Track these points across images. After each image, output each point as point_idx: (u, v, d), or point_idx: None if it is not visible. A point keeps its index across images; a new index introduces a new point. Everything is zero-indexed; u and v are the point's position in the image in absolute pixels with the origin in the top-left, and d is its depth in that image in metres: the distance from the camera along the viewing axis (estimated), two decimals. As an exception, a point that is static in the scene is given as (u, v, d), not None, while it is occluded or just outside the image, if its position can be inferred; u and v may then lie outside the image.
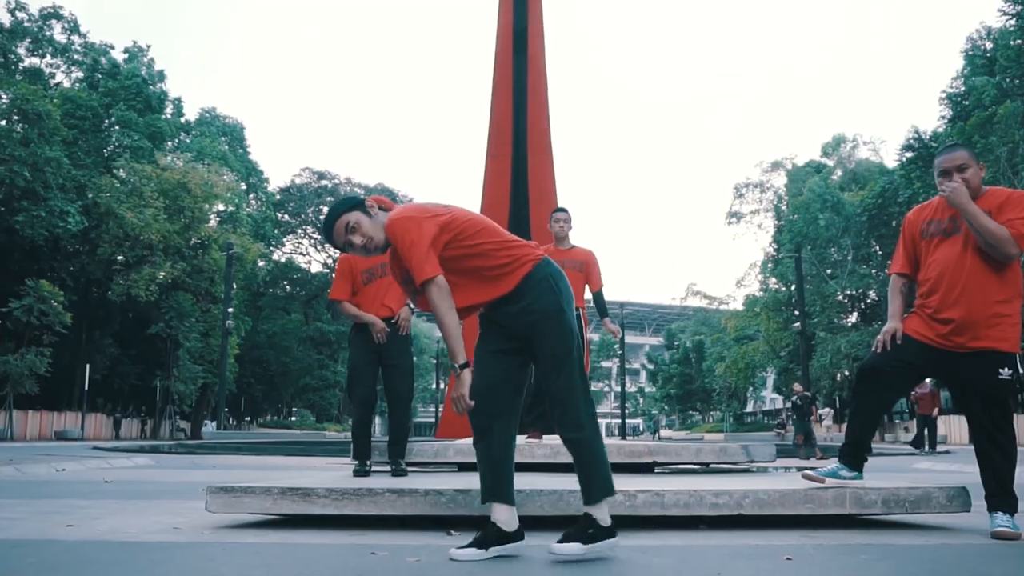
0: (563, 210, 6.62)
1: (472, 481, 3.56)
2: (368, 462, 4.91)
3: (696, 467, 6.56)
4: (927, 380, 14.56)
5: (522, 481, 3.37)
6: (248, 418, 59.13)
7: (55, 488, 6.42)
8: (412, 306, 5.01)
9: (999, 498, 3.54)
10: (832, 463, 3.89)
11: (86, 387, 31.69)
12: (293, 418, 61.47)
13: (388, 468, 4.97)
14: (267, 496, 3.79)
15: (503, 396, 3.02)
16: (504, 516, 2.97)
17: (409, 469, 5.11)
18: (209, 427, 39.37)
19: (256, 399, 57.51)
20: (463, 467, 5.65)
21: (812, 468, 4.11)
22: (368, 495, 3.75)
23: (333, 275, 5.09)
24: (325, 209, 58.22)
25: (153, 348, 35.00)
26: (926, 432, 18.06)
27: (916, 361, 3.68)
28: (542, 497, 3.67)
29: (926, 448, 17.50)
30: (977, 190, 3.65)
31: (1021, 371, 3.62)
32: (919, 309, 3.75)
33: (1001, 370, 3.54)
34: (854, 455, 3.80)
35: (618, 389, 62.34)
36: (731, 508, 3.70)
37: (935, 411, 18.38)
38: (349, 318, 5.07)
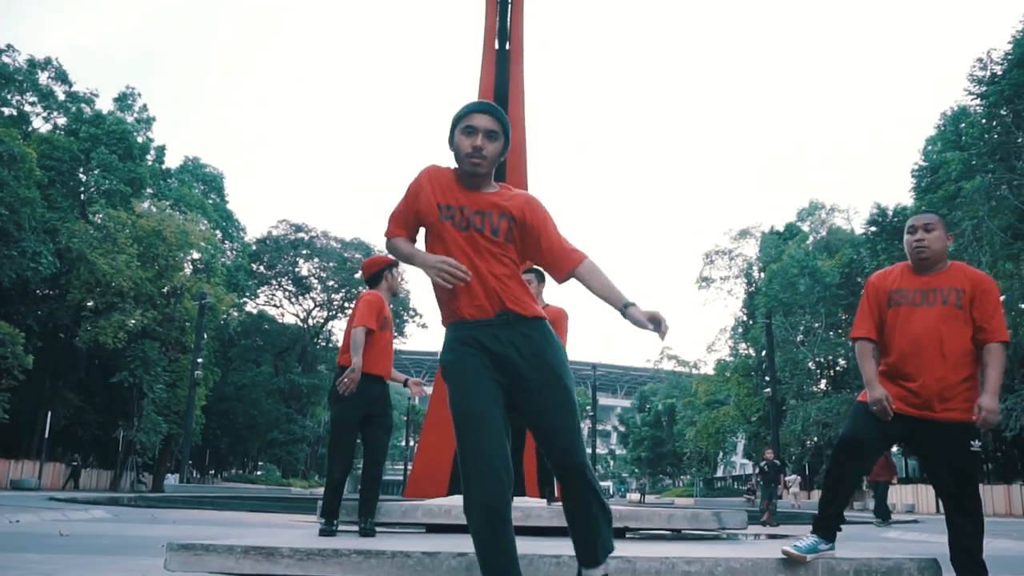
0: (530, 271, 6.61)
1: (440, 544, 3.48)
2: (336, 521, 4.80)
3: (668, 533, 6.50)
4: None
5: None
6: (212, 471, 57.86)
7: (8, 540, 6.21)
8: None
9: (968, 568, 3.54)
10: (809, 538, 3.84)
11: (46, 435, 30.90)
12: (259, 472, 60.24)
13: (355, 526, 4.87)
14: (229, 555, 3.67)
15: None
16: None
17: (377, 530, 5.00)
18: (171, 480, 38.43)
19: (221, 452, 56.35)
20: (432, 528, 5.54)
21: (790, 540, 4.07)
22: (334, 556, 3.65)
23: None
24: (301, 262, 58.14)
25: (118, 397, 34.32)
26: (879, 498, 17.51)
27: (893, 432, 3.71)
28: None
29: (889, 519, 17.14)
30: (940, 255, 3.75)
31: (980, 442, 3.68)
32: (886, 377, 3.78)
33: (972, 443, 3.57)
34: (831, 527, 3.77)
35: (589, 451, 61.87)
36: (703, 576, 3.64)
37: (894, 478, 17.95)
38: (360, 351, 4.79)
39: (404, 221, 2.95)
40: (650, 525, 5.40)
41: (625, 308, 2.82)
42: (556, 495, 6.66)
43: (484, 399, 2.69)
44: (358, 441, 5.05)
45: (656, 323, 2.77)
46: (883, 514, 17.10)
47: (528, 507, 4.87)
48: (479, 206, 2.82)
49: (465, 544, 3.51)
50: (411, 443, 60.33)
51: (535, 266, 6.84)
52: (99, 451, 38.85)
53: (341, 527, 4.93)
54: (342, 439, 4.89)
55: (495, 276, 2.79)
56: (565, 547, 3.38)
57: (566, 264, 2.93)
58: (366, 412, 4.92)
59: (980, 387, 3.64)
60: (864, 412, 3.75)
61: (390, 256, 4.93)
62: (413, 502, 5.92)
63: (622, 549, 4.07)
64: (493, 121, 2.81)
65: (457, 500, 5.14)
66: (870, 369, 3.86)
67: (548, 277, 6.87)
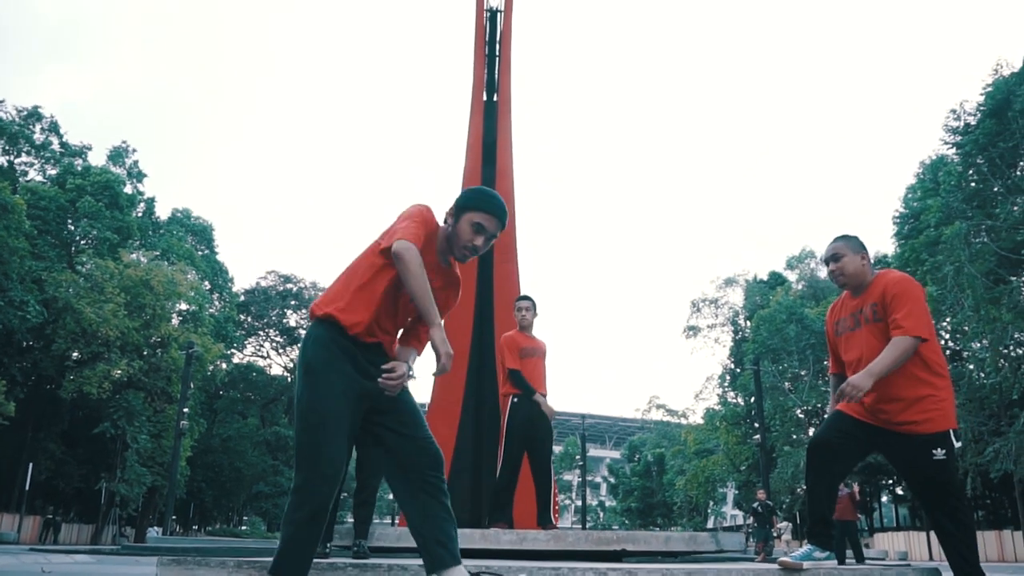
0: (526, 298, 6.67)
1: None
2: (328, 544, 4.74)
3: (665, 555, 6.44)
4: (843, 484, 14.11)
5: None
6: (196, 526, 56.73)
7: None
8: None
9: (966, 573, 3.53)
10: (804, 547, 3.86)
11: (27, 487, 30.33)
12: (244, 527, 59.12)
13: (350, 548, 4.80)
14: (222, 568, 3.62)
15: None
16: None
17: (372, 554, 4.93)
18: (154, 533, 37.66)
19: (206, 505, 55.33)
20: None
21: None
22: (329, 569, 3.60)
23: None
24: (289, 313, 57.93)
25: (101, 448, 33.80)
26: (847, 540, 17.06)
27: (856, 433, 3.78)
28: None
29: (863, 560, 16.71)
30: (858, 276, 3.84)
31: (958, 444, 3.69)
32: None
33: (935, 451, 3.58)
34: (822, 533, 3.80)
35: (579, 503, 61.22)
36: (704, 588, 3.61)
37: (856, 515, 17.57)
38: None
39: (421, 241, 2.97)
40: (647, 547, 5.36)
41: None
42: (554, 520, 6.59)
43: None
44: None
45: (437, 355, 2.88)
46: (859, 556, 16.73)
47: (524, 533, 4.82)
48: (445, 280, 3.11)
49: (466, 556, 3.48)
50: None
51: (529, 296, 6.90)
52: (80, 504, 38.12)
53: (336, 549, 4.86)
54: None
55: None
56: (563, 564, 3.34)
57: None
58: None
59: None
60: (834, 417, 3.88)
61: None
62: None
63: (621, 566, 4.03)
64: (500, 229, 3.04)
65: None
66: (833, 402, 4.00)
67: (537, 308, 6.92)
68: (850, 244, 3.90)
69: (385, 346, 3.02)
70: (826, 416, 3.93)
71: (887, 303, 3.69)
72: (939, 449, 3.57)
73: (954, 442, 3.63)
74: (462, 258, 3.04)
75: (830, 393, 4.12)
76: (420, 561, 3.68)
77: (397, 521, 35.63)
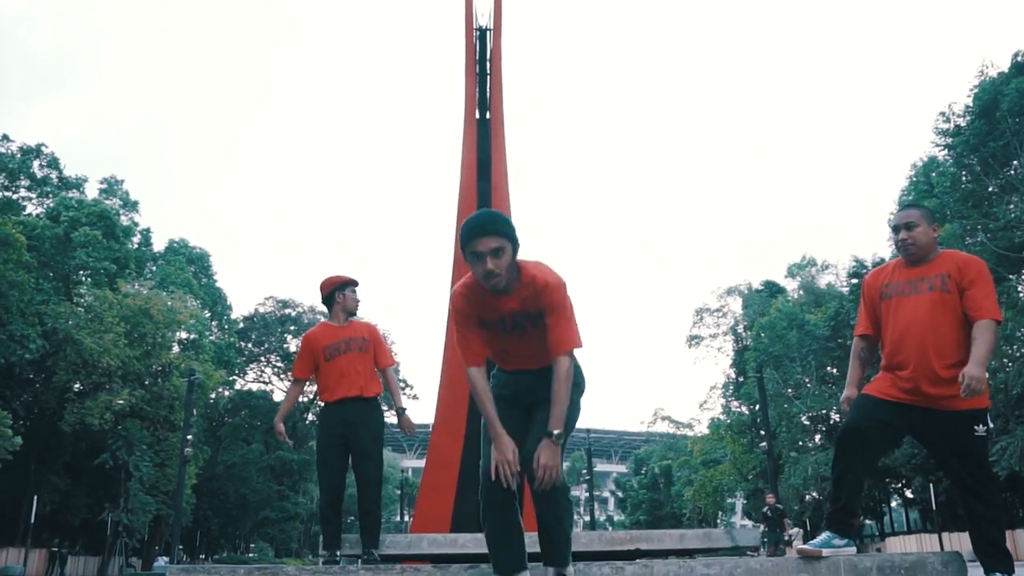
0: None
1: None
2: (338, 552, 4.69)
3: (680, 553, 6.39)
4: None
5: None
6: (203, 554, 56.35)
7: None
8: (403, 408, 5.01)
9: (993, 557, 3.48)
10: (823, 534, 3.80)
11: (32, 520, 30.14)
12: (251, 554, 58.72)
13: (359, 557, 4.75)
14: (233, 576, 3.57)
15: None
16: None
17: (382, 563, 4.87)
18: (161, 562, 37.42)
19: (212, 533, 54.96)
20: (437, 559, 5.40)
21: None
22: (342, 573, 3.56)
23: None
24: (289, 338, 57.82)
25: (105, 478, 33.60)
26: None
27: (893, 421, 3.69)
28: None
29: None
30: (927, 248, 3.79)
31: (991, 425, 3.66)
32: (884, 370, 3.78)
33: (976, 427, 3.54)
34: (843, 521, 3.72)
35: (587, 518, 60.84)
36: (722, 579, 3.56)
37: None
38: (284, 402, 5.34)
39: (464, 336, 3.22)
40: (661, 546, 5.31)
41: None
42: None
43: None
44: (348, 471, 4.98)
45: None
46: None
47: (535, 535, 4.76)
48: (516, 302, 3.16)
49: (478, 561, 3.44)
50: (406, 518, 59.11)
51: None
52: (86, 536, 37.87)
53: (346, 560, 4.82)
54: (321, 469, 4.90)
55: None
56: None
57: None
58: (343, 438, 4.85)
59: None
60: (864, 403, 3.75)
61: (344, 276, 5.01)
62: (418, 535, 5.78)
63: (637, 562, 3.98)
64: (494, 239, 3.00)
65: (463, 532, 5.04)
66: (852, 369, 4.02)
67: None
68: (925, 214, 3.87)
69: None
70: (863, 394, 3.80)
71: (966, 280, 3.65)
72: (980, 425, 3.55)
73: (990, 423, 3.61)
74: (493, 289, 3.06)
75: (850, 360, 4.06)
76: (432, 562, 3.64)
77: (408, 528, 35.39)
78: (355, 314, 5.24)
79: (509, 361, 3.24)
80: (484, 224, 3.02)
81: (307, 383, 5.26)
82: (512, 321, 3.12)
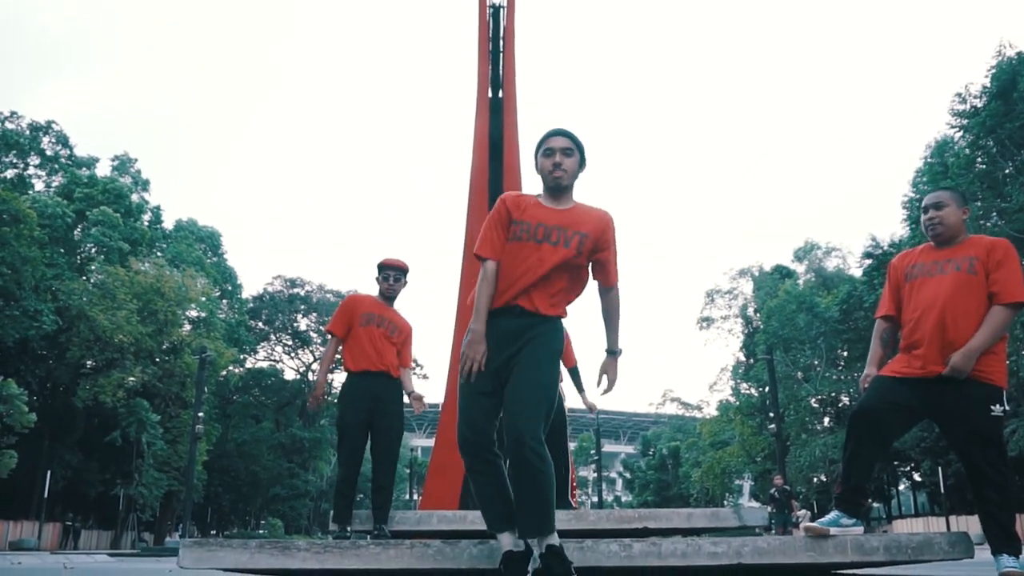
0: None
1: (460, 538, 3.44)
2: (349, 528, 4.73)
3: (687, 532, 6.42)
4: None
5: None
6: (214, 530, 56.96)
7: (14, 573, 6.09)
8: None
9: (1001, 540, 3.47)
10: (831, 513, 3.80)
11: (46, 495, 30.52)
12: (262, 531, 59.34)
13: (370, 532, 4.78)
14: (244, 550, 3.60)
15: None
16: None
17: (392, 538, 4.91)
18: (174, 538, 37.85)
19: (223, 509, 55.54)
20: (447, 536, 5.44)
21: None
22: (352, 548, 3.58)
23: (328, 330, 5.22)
24: (299, 317, 58.06)
25: (116, 454, 33.95)
26: None
27: (907, 402, 3.68)
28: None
29: None
30: (955, 229, 3.78)
31: (1007, 407, 3.64)
32: (903, 351, 3.79)
33: (993, 406, 3.53)
34: (853, 501, 3.72)
35: (595, 498, 61.20)
36: (730, 557, 3.57)
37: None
38: (323, 361, 5.35)
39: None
40: (669, 524, 5.34)
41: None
42: (572, 502, 6.56)
43: None
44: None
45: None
46: None
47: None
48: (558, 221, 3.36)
49: (488, 537, 3.46)
50: (415, 496, 59.59)
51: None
52: (99, 511, 38.31)
53: (357, 535, 4.85)
54: (343, 442, 4.93)
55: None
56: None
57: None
58: (368, 413, 4.89)
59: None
60: (880, 384, 3.75)
61: (392, 260, 5.07)
62: (428, 511, 5.82)
63: (645, 539, 4.00)
64: (566, 140, 3.36)
65: (474, 510, 5.08)
66: (874, 349, 4.03)
67: None
68: (955, 196, 3.88)
69: None
70: (879, 375, 3.81)
71: (992, 261, 3.66)
72: (997, 405, 3.55)
73: (1005, 404, 3.62)
74: (556, 182, 3.32)
75: (872, 340, 4.08)
76: (442, 539, 3.66)
77: (417, 506, 35.74)
78: (392, 299, 5.34)
79: (512, 286, 3.22)
80: (562, 130, 3.40)
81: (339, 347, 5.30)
82: (545, 232, 3.25)
